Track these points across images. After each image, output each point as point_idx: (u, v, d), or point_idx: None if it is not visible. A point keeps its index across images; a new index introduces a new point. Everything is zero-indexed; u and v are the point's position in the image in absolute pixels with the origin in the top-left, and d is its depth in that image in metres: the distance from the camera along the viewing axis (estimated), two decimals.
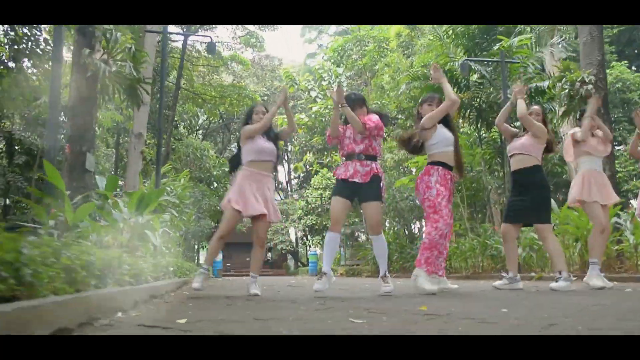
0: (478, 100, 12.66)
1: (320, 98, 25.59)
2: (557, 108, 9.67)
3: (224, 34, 50.34)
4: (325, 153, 24.90)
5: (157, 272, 5.72)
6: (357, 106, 4.43)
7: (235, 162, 4.72)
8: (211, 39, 10.56)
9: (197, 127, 38.07)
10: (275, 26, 25.70)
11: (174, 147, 16.93)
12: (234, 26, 23.76)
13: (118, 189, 10.02)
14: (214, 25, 22.38)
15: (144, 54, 7.46)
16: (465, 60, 11.48)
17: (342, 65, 25.12)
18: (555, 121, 10.20)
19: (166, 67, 8.54)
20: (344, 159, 4.49)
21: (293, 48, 77.45)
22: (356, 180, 4.33)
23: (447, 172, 4.41)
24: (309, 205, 32.91)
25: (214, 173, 20.62)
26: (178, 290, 5.82)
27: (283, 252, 37.11)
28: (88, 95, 6.99)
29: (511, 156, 5.01)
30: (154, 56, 11.72)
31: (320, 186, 30.49)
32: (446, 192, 4.33)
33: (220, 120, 40.26)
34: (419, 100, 4.90)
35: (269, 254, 38.56)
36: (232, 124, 41.57)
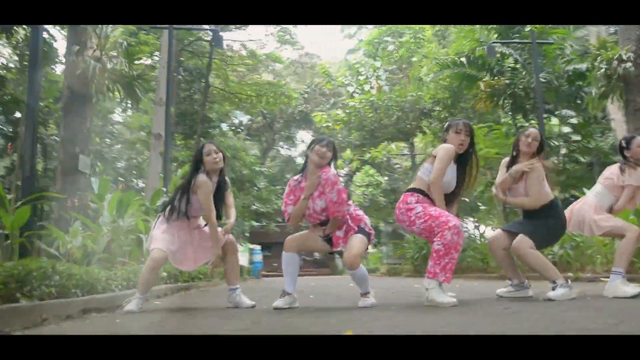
0: (512, 86, 11.80)
1: (357, 93, 25.05)
2: (593, 90, 8.75)
3: (256, 32, 50.00)
4: (364, 149, 24.30)
5: (135, 279, 5.40)
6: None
7: (169, 206, 4.09)
8: (218, 31, 10.18)
9: (240, 127, 38.33)
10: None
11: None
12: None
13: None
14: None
15: (136, 49, 7.21)
16: (492, 43, 10.65)
17: (378, 58, 24.45)
18: (591, 105, 9.25)
19: (172, 63, 8.32)
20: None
21: (333, 44, 76.75)
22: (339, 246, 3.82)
23: (427, 198, 3.74)
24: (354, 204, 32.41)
25: (244, 172, 20.43)
26: (160, 299, 5.48)
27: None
28: (80, 94, 6.81)
29: None
30: (175, 53, 11.57)
31: (363, 183, 29.98)
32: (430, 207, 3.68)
33: (263, 119, 40.44)
34: (445, 125, 4.18)
35: (316, 253, 38.32)
36: (275, 123, 41.71)
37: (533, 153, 4.03)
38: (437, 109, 16.17)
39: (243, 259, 26.79)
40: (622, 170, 4.19)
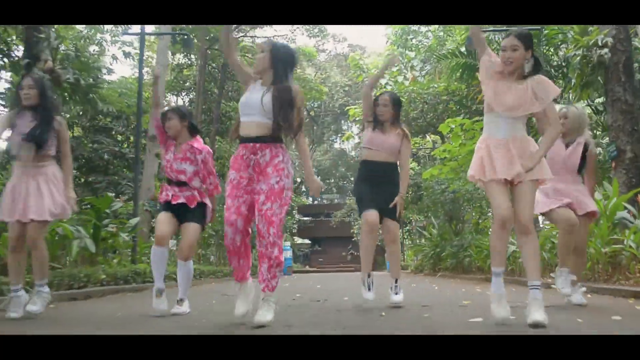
0: None
1: (390, 85, 24.64)
2: (573, 80, 8.14)
3: (282, 28, 48.87)
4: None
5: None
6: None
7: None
8: (188, 35, 10.40)
9: None
10: None
11: (217, 146, 17.18)
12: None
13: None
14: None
15: (91, 57, 7.45)
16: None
17: (409, 48, 23.92)
18: (574, 94, 8.61)
19: (142, 67, 8.55)
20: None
21: (377, 36, 75.73)
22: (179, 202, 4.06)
23: (245, 146, 3.25)
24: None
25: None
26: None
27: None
28: None
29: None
30: (168, 57, 11.85)
31: None
32: (237, 176, 3.23)
33: (307, 114, 40.60)
34: None
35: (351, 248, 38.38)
36: (320, 117, 41.76)
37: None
38: (453, 100, 15.65)
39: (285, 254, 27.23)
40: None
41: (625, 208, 6.36)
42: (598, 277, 6.04)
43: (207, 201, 4.15)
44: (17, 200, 3.67)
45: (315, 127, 43.03)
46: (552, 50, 10.84)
